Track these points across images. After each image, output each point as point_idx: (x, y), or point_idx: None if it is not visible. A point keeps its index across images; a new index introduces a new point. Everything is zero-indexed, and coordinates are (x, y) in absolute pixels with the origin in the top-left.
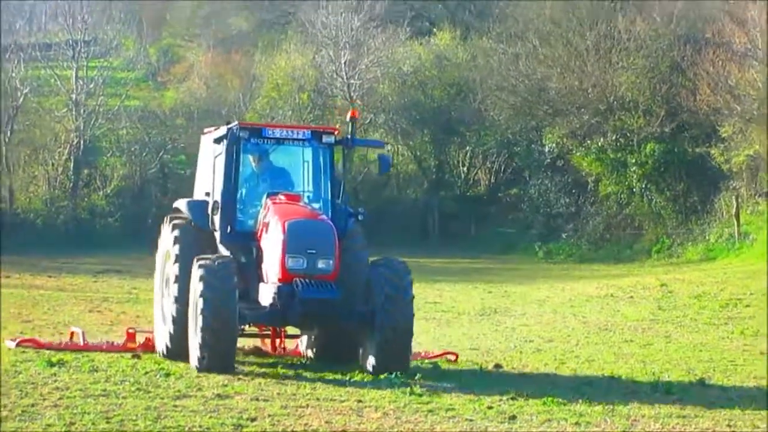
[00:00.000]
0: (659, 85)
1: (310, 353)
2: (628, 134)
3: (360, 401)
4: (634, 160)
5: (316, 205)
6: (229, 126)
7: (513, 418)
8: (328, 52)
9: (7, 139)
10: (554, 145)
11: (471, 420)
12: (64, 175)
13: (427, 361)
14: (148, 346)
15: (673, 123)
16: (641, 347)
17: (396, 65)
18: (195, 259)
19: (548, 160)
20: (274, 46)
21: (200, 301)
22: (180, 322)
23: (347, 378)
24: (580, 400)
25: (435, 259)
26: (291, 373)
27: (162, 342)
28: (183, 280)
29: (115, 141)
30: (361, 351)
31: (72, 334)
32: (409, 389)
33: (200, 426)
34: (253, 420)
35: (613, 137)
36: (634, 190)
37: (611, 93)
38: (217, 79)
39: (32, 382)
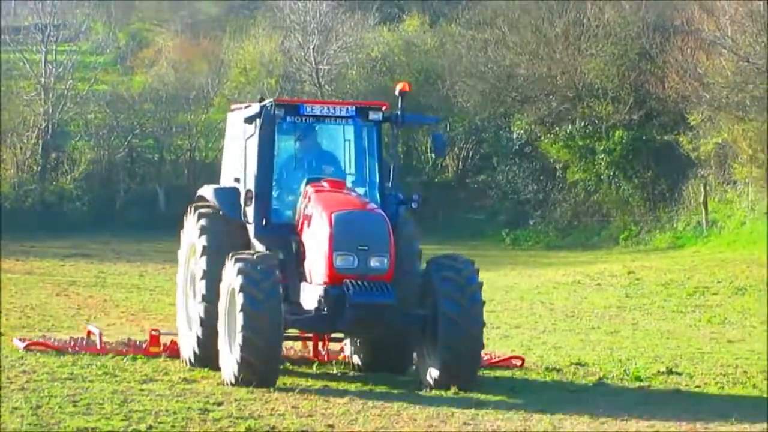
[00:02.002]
0: (628, 73)
1: (356, 359)
2: (597, 121)
3: (327, 386)
4: (602, 148)
5: (361, 191)
6: (263, 103)
7: (480, 404)
8: (297, 38)
9: None
10: (522, 131)
11: (438, 407)
12: (33, 159)
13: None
14: (174, 350)
15: (642, 110)
16: (608, 334)
17: (364, 51)
18: (230, 255)
19: (516, 147)
20: (243, 31)
21: (240, 317)
22: (209, 324)
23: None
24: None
25: None
26: None
27: (188, 349)
28: (212, 276)
29: (84, 125)
30: (416, 357)
31: (88, 333)
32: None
33: (167, 410)
34: (219, 404)
35: (582, 124)
36: (602, 177)
37: (580, 80)
38: (186, 63)
39: None
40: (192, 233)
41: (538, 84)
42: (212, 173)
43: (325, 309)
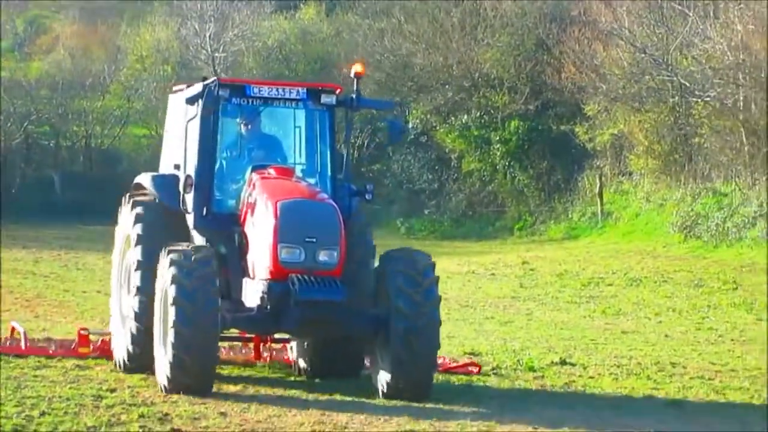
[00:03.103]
0: (524, 63)
1: (302, 363)
2: (492, 111)
3: (219, 371)
4: (497, 138)
5: (312, 181)
6: (206, 83)
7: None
8: (193, 25)
9: None
10: (418, 121)
11: (331, 395)
12: None
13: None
14: (105, 351)
15: (538, 101)
16: (502, 324)
17: (261, 39)
18: (164, 248)
19: (412, 136)
20: (140, 18)
21: (172, 311)
22: (143, 319)
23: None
24: (440, 378)
25: None
26: None
27: (122, 349)
28: (147, 266)
29: None
30: (368, 363)
31: (12, 330)
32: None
33: (60, 396)
34: (112, 391)
35: (477, 114)
36: (498, 167)
37: (476, 70)
38: (83, 50)
39: None
40: (127, 222)
41: (434, 74)
42: (109, 160)
43: (268, 306)
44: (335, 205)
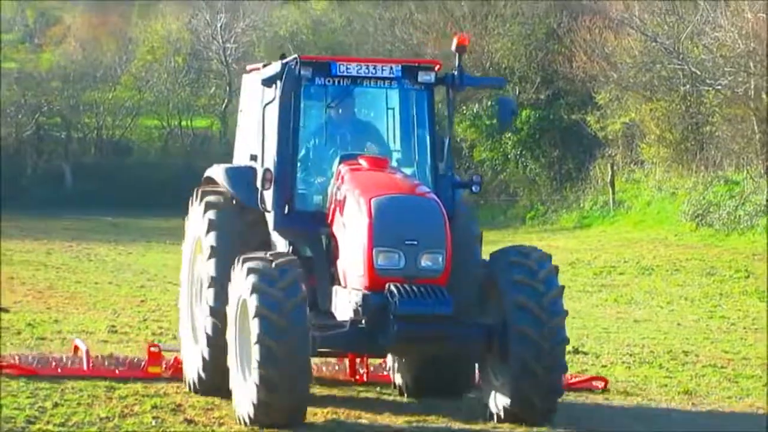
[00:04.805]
0: (535, 52)
1: (399, 380)
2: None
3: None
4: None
5: (409, 172)
6: (285, 61)
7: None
8: (205, 16)
9: None
10: None
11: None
12: None
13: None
14: (178, 370)
15: (549, 90)
16: None
17: (272, 29)
18: (239, 258)
19: None
20: (151, 8)
21: (256, 324)
22: (217, 343)
23: None
24: None
25: None
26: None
27: (193, 369)
28: (222, 284)
29: None
30: (478, 379)
31: (76, 348)
32: None
33: (73, 387)
34: (125, 381)
35: (489, 103)
36: (509, 156)
37: (487, 59)
38: (94, 41)
39: None
40: (198, 226)
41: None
42: (120, 151)
43: (363, 321)
44: (438, 200)
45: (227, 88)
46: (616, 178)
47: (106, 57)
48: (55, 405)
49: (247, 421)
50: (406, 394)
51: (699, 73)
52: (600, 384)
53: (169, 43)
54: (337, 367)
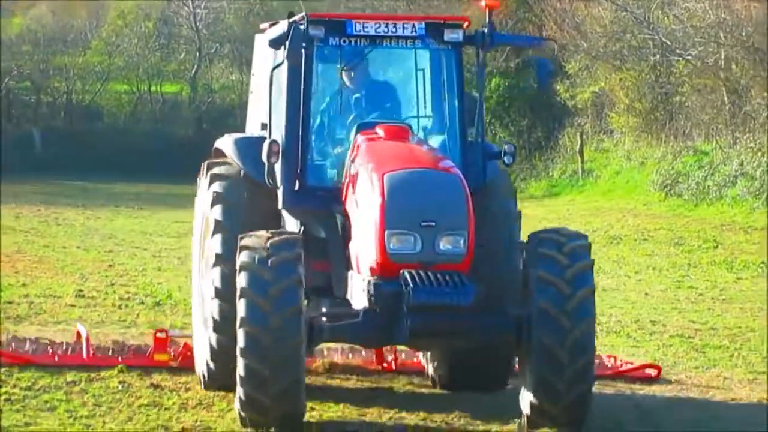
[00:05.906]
0: (505, 20)
1: (431, 371)
2: (472, 69)
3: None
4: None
5: (435, 142)
6: (292, 19)
7: None
8: None
9: None
10: None
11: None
12: None
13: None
14: (187, 358)
15: (519, 58)
16: None
17: None
18: (241, 237)
19: None
20: None
21: (241, 306)
22: (225, 330)
23: None
24: None
25: None
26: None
27: (202, 359)
28: (228, 261)
29: None
30: (516, 370)
31: (78, 335)
32: None
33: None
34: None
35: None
36: None
37: None
38: (64, 6)
39: None
40: (204, 201)
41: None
42: (89, 115)
43: (377, 310)
44: (461, 174)
45: (197, 54)
46: (585, 148)
47: (77, 21)
48: (21, 369)
49: (241, 412)
50: (438, 386)
51: (669, 43)
52: (653, 372)
53: (139, 8)
54: (363, 353)
